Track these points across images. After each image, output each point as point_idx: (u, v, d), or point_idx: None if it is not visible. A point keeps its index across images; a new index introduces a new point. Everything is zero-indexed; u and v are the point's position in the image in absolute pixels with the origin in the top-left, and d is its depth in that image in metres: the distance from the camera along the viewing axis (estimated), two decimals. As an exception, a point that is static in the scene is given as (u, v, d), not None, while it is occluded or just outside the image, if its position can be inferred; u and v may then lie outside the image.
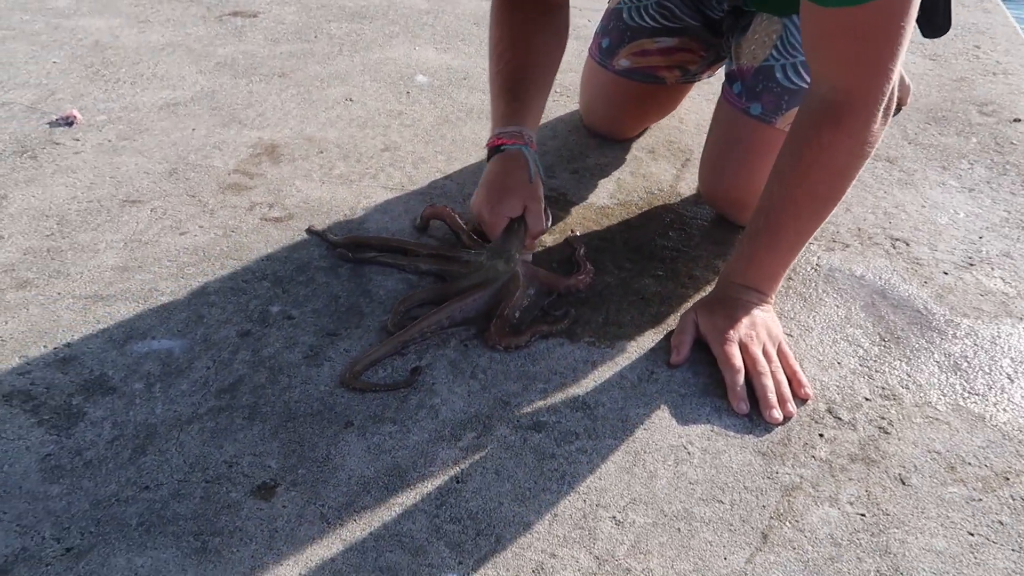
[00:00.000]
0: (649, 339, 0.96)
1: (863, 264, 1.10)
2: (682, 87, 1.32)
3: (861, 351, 0.96)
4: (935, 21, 1.05)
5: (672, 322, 0.99)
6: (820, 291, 1.05)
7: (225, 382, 0.88)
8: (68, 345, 0.92)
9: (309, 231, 1.10)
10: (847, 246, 1.13)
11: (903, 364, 0.95)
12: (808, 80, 1.04)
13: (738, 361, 0.88)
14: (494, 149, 1.05)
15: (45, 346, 0.92)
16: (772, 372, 0.88)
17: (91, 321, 0.96)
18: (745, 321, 0.91)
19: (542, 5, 1.09)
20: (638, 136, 1.37)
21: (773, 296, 0.96)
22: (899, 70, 0.88)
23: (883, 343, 0.97)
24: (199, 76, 1.54)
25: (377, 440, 0.82)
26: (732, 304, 0.93)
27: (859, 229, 1.17)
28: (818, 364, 0.94)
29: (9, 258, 1.05)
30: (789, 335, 0.98)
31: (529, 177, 1.03)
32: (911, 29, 0.80)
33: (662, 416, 0.86)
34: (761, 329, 0.91)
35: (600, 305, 1.01)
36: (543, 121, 1.43)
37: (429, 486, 0.78)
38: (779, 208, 0.90)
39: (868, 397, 0.90)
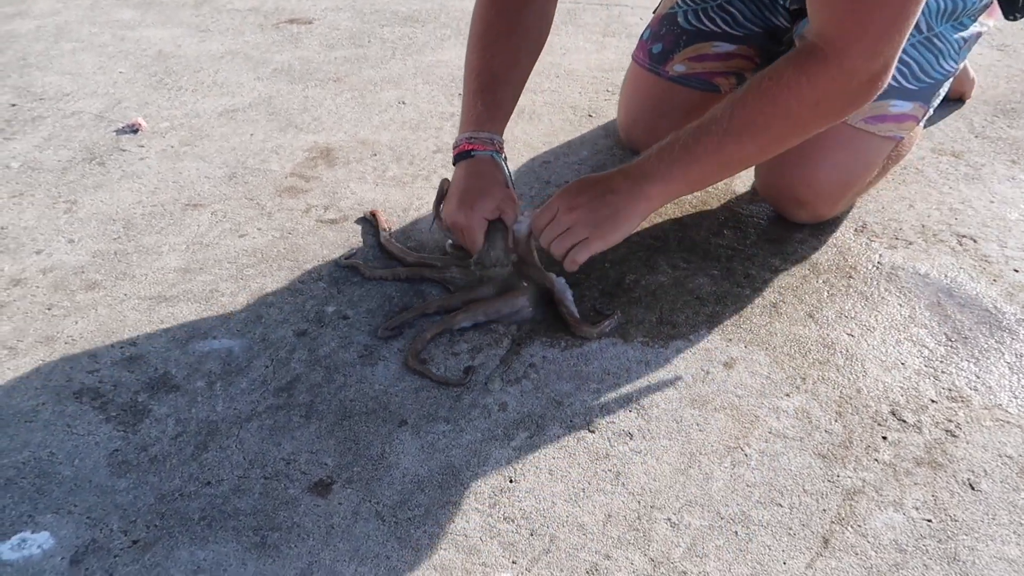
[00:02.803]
0: (704, 339, 0.95)
1: (927, 262, 1.06)
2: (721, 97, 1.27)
3: (926, 351, 0.93)
4: (1016, 1, 1.02)
5: (728, 322, 0.97)
6: (882, 290, 1.02)
7: (283, 381, 0.90)
8: (134, 344, 0.95)
9: (340, 262, 1.08)
10: (910, 243, 1.10)
11: (971, 365, 0.91)
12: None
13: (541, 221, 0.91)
14: (462, 154, 1.01)
15: (112, 345, 0.95)
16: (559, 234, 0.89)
17: (155, 321, 0.99)
18: (588, 200, 0.89)
19: None
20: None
21: (654, 199, 0.90)
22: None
23: (949, 343, 0.94)
24: (257, 82, 1.58)
25: (431, 439, 0.83)
26: (603, 184, 0.90)
27: (923, 226, 1.13)
28: (881, 365, 0.91)
29: (79, 260, 1.09)
30: (850, 335, 0.95)
31: (505, 181, 1.00)
32: (919, 7, 0.77)
33: (717, 417, 0.85)
34: (599, 229, 0.89)
35: (654, 305, 1.00)
36: (594, 122, 1.42)
37: (482, 485, 0.78)
38: (714, 119, 0.87)
39: (934, 399, 0.87)
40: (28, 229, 1.16)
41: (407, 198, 1.21)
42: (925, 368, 0.91)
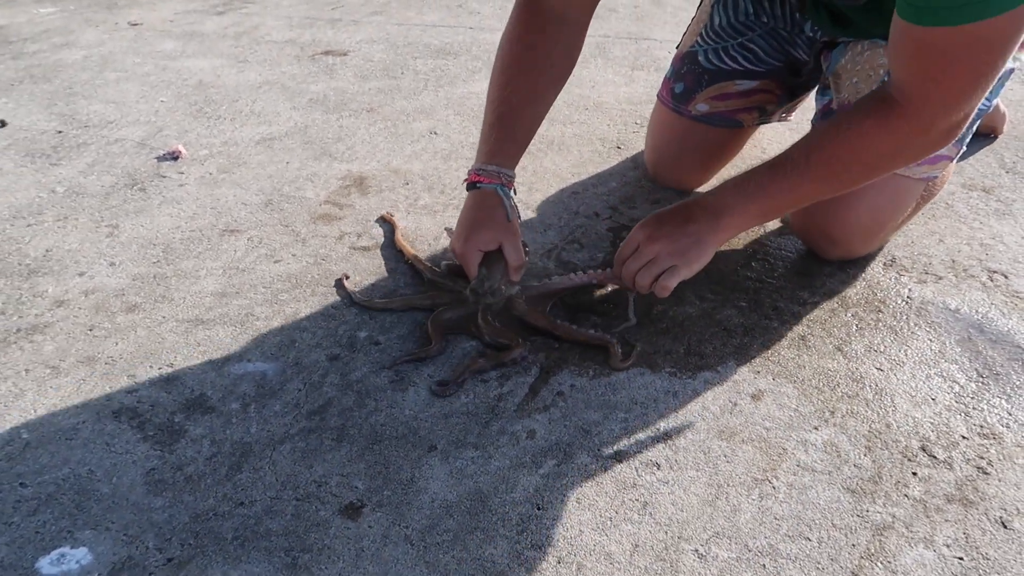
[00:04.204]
0: (732, 371, 0.95)
1: (958, 297, 1.06)
2: (751, 130, 1.30)
3: (957, 387, 0.93)
4: None
5: (756, 354, 0.98)
6: (912, 324, 1.02)
7: (315, 404, 0.92)
8: (171, 365, 0.98)
9: (338, 284, 1.11)
10: (940, 278, 1.10)
11: (1003, 402, 0.91)
12: None
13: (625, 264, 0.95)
14: (471, 185, 1.03)
15: (151, 366, 0.98)
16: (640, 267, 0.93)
17: (192, 343, 1.01)
18: (670, 231, 0.93)
19: (556, 24, 1.02)
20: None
21: (729, 230, 0.94)
22: (985, 102, 0.84)
23: (980, 379, 0.94)
24: (293, 112, 1.62)
25: (460, 464, 0.84)
26: (683, 215, 0.93)
27: (953, 261, 1.13)
28: (911, 400, 0.91)
29: (120, 283, 1.12)
30: (879, 370, 0.95)
31: (505, 215, 1.01)
32: (1003, 64, 0.77)
33: (745, 449, 0.85)
34: (682, 258, 0.92)
35: (682, 336, 1.01)
36: (622, 154, 1.44)
37: (510, 512, 0.79)
38: (791, 160, 0.90)
39: (965, 435, 0.87)
40: (72, 252, 1.20)
41: (438, 226, 1.23)
42: (956, 404, 0.90)
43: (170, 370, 0.97)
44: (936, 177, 1.08)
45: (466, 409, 0.90)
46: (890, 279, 1.10)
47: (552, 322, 1.00)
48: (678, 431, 0.87)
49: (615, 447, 0.86)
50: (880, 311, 1.04)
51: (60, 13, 2.29)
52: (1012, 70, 1.07)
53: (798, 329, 1.01)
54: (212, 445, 0.87)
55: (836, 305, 1.05)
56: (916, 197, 1.08)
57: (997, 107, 1.39)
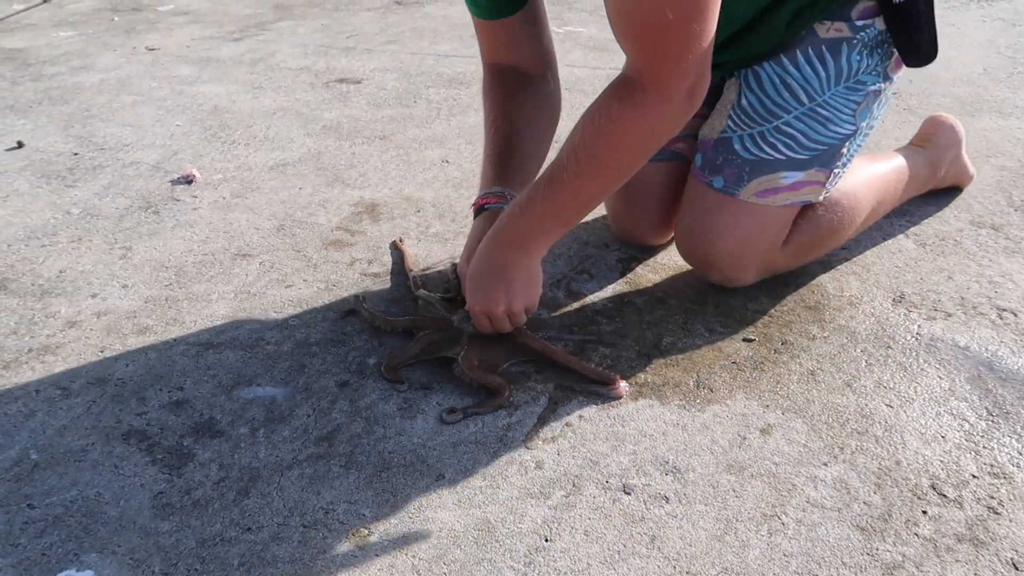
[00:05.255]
0: (741, 404, 0.95)
1: (967, 334, 1.06)
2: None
3: (967, 425, 0.92)
4: (919, 49, 1.02)
5: (765, 388, 0.98)
6: (921, 361, 1.02)
7: (324, 430, 0.92)
8: (181, 389, 0.98)
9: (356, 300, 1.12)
10: (949, 315, 1.10)
11: (1013, 441, 0.90)
12: (768, 151, 1.04)
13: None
14: (477, 210, 1.07)
15: (161, 389, 0.98)
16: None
17: (202, 367, 1.01)
18: (503, 290, 0.97)
19: (522, 80, 1.11)
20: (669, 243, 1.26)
21: (540, 249, 0.98)
22: (705, 64, 0.84)
23: (991, 418, 0.93)
24: (306, 138, 1.64)
25: (468, 494, 0.84)
26: (494, 266, 0.97)
27: (962, 298, 1.13)
28: (920, 437, 0.91)
29: (132, 305, 1.13)
30: (888, 406, 0.95)
31: None
32: (703, 24, 0.81)
33: (754, 484, 0.85)
34: (517, 299, 0.97)
35: (691, 368, 1.01)
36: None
37: (518, 543, 0.78)
38: (562, 166, 0.92)
39: (975, 474, 0.86)
40: (85, 273, 1.21)
41: (449, 254, 1.24)
42: (966, 442, 0.90)
43: (180, 393, 0.97)
44: (804, 203, 1.08)
45: (474, 438, 0.90)
46: (899, 315, 1.10)
47: (546, 346, 1.00)
48: (687, 464, 0.87)
49: (623, 479, 0.85)
50: (890, 347, 1.04)
51: (79, 37, 2.33)
52: (879, 91, 1.06)
53: (808, 364, 1.01)
54: (220, 469, 0.87)
55: (846, 340, 1.05)
56: (784, 223, 1.08)
57: (965, 167, 1.38)
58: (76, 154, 1.59)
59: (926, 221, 1.31)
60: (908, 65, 1.05)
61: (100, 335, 1.07)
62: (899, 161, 1.26)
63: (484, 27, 1.12)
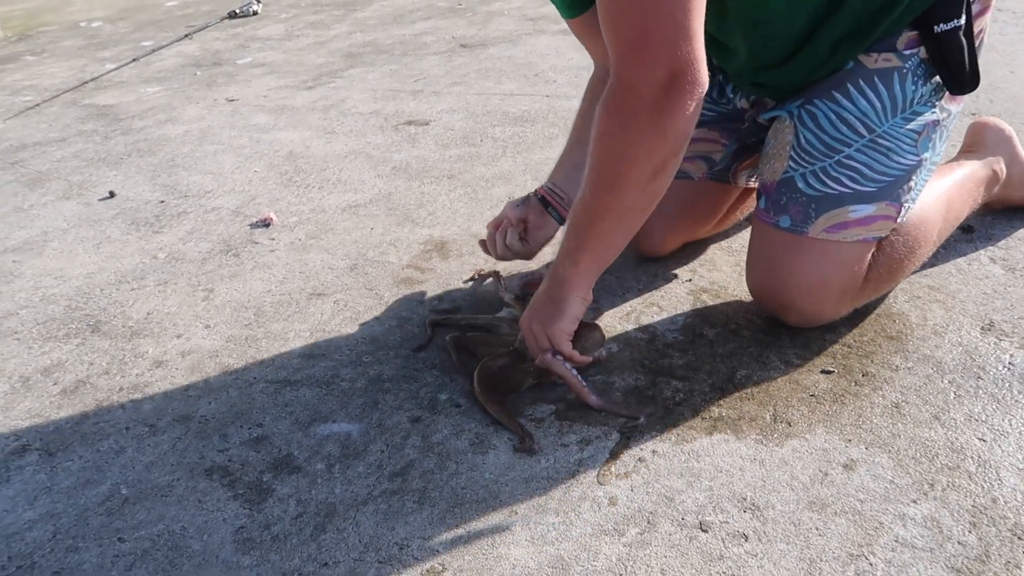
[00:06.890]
0: (821, 439, 0.92)
1: (1065, 363, 1.00)
2: (718, 191, 1.25)
3: (1069, 460, 0.87)
4: (960, 77, 1.00)
5: (847, 422, 0.94)
6: (1015, 392, 0.97)
7: (397, 466, 0.93)
8: (260, 425, 1.01)
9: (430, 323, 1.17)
10: (1044, 343, 1.04)
11: (1123, 477, 0.84)
12: (833, 185, 1.02)
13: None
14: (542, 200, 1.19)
15: (241, 426, 1.01)
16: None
17: (280, 404, 1.04)
18: (535, 315, 1.00)
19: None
20: (679, 250, 1.29)
21: (580, 290, 0.97)
22: (681, 53, 0.80)
23: (1096, 452, 0.88)
24: (377, 180, 1.68)
25: (541, 530, 0.83)
26: (549, 302, 0.99)
27: (1058, 325, 1.07)
28: (1017, 473, 0.86)
29: (214, 345, 1.17)
30: (981, 440, 0.90)
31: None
32: (667, 13, 0.78)
33: (839, 522, 0.82)
34: (536, 323, 0.99)
35: (767, 401, 0.98)
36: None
37: (593, 581, 0.77)
38: (579, 199, 0.92)
39: (1081, 513, 0.81)
40: (170, 315, 1.26)
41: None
42: (1069, 478, 0.85)
43: (259, 430, 1.00)
44: (877, 239, 1.04)
45: (546, 473, 0.90)
46: (989, 344, 1.05)
47: (567, 375, 0.99)
48: (766, 501, 0.84)
49: (700, 516, 0.83)
50: (980, 378, 0.99)
51: (164, 92, 2.46)
52: (937, 122, 1.03)
53: (891, 396, 0.98)
54: (298, 505, 0.88)
55: (931, 371, 1.01)
56: (860, 259, 1.04)
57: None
58: (162, 202, 1.67)
59: (1014, 245, 1.25)
60: (952, 93, 1.03)
61: (185, 374, 1.12)
62: (955, 169, 1.22)
63: (573, 26, 1.17)
